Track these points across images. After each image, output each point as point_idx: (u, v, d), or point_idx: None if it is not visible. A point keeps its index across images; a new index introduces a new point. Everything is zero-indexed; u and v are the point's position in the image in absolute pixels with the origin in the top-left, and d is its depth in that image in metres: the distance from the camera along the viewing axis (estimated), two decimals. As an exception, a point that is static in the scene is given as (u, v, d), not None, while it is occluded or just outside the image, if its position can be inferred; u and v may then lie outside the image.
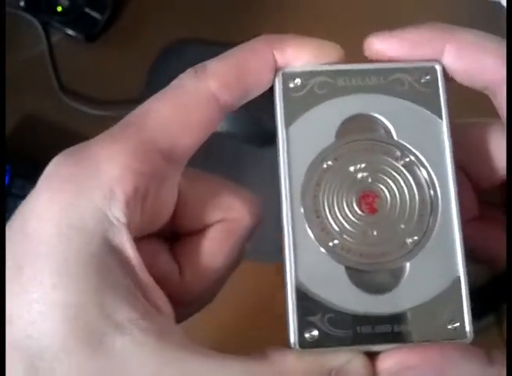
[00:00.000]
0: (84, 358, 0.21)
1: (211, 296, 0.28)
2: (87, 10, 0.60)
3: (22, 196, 0.58)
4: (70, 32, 0.60)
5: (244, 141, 0.57)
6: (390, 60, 0.25)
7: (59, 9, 0.59)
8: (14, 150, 0.58)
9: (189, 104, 0.24)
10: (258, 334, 0.55)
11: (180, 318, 0.24)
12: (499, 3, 0.62)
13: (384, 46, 0.25)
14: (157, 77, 0.59)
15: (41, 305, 0.21)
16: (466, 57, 0.25)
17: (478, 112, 0.27)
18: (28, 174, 0.56)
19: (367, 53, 0.25)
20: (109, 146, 0.23)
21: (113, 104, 0.59)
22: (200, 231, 0.27)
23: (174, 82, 0.25)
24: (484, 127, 0.27)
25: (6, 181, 0.56)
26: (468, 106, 0.27)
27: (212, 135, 0.25)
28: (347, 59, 0.25)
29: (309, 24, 0.62)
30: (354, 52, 0.25)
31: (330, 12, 0.62)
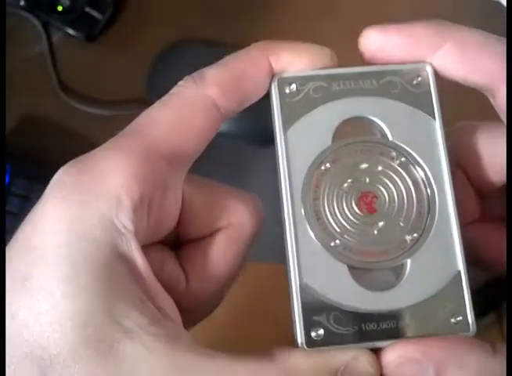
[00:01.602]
0: (94, 365, 0.21)
1: (217, 302, 0.28)
2: (87, 10, 0.60)
3: (22, 195, 0.58)
4: (71, 31, 0.60)
5: (244, 141, 0.57)
6: (382, 63, 0.25)
7: (60, 8, 0.60)
8: (14, 148, 0.58)
9: (189, 111, 0.24)
10: (259, 333, 0.55)
11: (187, 324, 0.24)
12: (499, 2, 0.62)
13: (381, 41, 0.25)
14: (157, 77, 0.59)
15: (50, 316, 0.21)
16: (465, 56, 0.25)
17: (478, 115, 0.27)
18: (28, 173, 0.56)
19: (362, 48, 0.25)
20: (114, 155, 0.23)
21: (113, 103, 0.59)
22: (205, 238, 0.27)
23: (174, 90, 0.25)
24: (483, 129, 0.27)
25: (6, 180, 0.56)
26: (467, 108, 0.28)
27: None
28: (342, 64, 0.26)
29: (308, 25, 0.62)
30: (349, 55, 0.26)
31: (330, 13, 0.62)
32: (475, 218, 0.29)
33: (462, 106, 0.38)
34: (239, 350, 0.22)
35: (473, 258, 0.27)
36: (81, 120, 0.59)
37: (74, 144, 0.58)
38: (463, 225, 0.26)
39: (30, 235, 0.23)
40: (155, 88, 0.59)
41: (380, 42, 0.25)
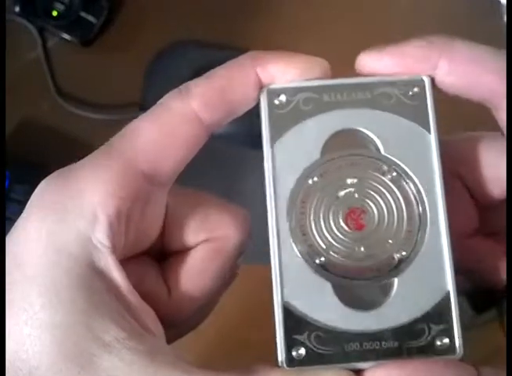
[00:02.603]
0: None
1: (203, 316, 0.28)
2: (82, 14, 0.60)
3: (21, 201, 0.58)
4: (66, 36, 0.60)
5: (238, 143, 0.57)
6: (377, 74, 0.25)
7: (55, 13, 0.59)
8: (12, 154, 0.58)
9: (171, 124, 0.24)
10: (255, 336, 0.55)
11: (170, 339, 0.24)
12: (498, 1, 0.62)
13: (376, 64, 0.25)
14: (153, 80, 0.59)
15: (29, 328, 0.22)
16: (462, 71, 0.24)
17: (477, 125, 0.27)
18: (27, 178, 0.56)
19: (358, 70, 0.25)
20: (92, 172, 0.24)
21: (110, 107, 0.59)
22: (188, 250, 0.27)
23: (160, 103, 0.25)
24: (484, 139, 0.27)
25: (6, 186, 0.56)
26: (466, 119, 0.27)
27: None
28: (335, 73, 0.25)
29: (307, 26, 0.62)
30: (347, 61, 0.25)
31: (328, 15, 0.62)
32: (474, 230, 0.28)
33: (458, 115, 0.38)
34: (234, 355, 0.22)
35: (469, 271, 0.27)
36: (78, 124, 0.59)
37: (72, 148, 0.58)
38: (461, 238, 0.26)
39: (14, 242, 0.23)
40: (151, 91, 0.59)
41: (376, 66, 0.25)
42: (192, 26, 0.62)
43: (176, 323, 0.26)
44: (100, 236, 0.23)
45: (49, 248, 0.22)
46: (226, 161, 0.58)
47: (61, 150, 0.57)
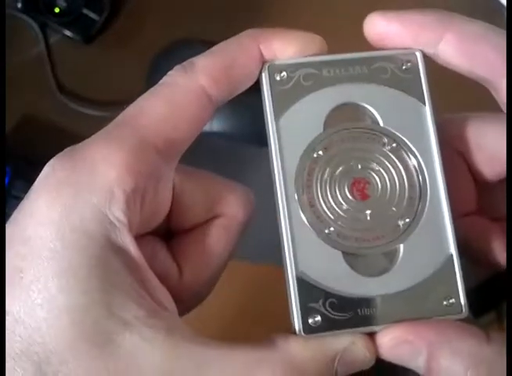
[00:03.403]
0: (92, 358, 0.21)
1: (208, 291, 0.28)
2: (84, 11, 0.60)
3: (21, 197, 0.58)
4: (68, 33, 0.60)
5: (242, 141, 0.57)
6: (373, 49, 0.26)
7: (57, 10, 0.59)
8: (13, 150, 0.58)
9: (180, 100, 0.24)
10: (254, 334, 0.55)
11: (179, 314, 0.24)
12: (498, 0, 0.62)
13: (383, 28, 0.25)
14: (155, 77, 0.59)
15: (46, 311, 0.21)
16: (467, 47, 0.25)
17: (480, 106, 0.27)
18: (28, 175, 0.56)
19: (366, 33, 0.26)
20: (105, 147, 0.23)
21: (111, 104, 0.59)
22: (196, 228, 0.27)
23: (164, 79, 0.25)
24: (484, 120, 0.27)
25: (6, 182, 0.56)
26: (471, 100, 0.28)
27: (210, 136, 0.25)
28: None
29: (307, 26, 0.62)
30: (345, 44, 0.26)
31: (330, 12, 0.62)
32: (472, 208, 0.29)
33: (460, 95, 0.38)
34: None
35: (464, 250, 0.27)
36: (80, 121, 0.59)
37: (73, 145, 0.58)
38: (460, 215, 0.27)
39: (23, 226, 0.22)
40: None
41: (383, 29, 0.25)
42: (194, 24, 0.62)
43: (185, 299, 0.26)
44: (117, 213, 0.22)
45: (64, 227, 0.22)
46: (229, 159, 0.58)
47: (62, 147, 0.57)
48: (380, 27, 0.25)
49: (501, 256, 0.27)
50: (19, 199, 0.56)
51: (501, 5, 0.62)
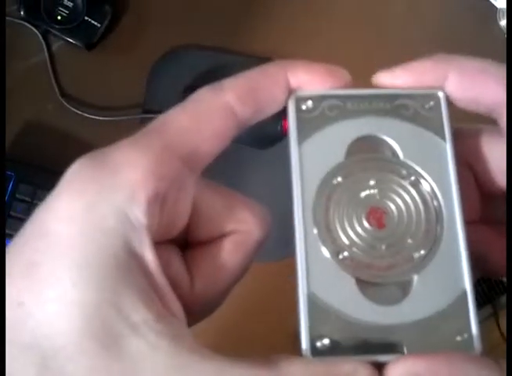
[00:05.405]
0: (98, 359, 0.21)
1: (218, 304, 0.29)
2: (86, 18, 0.60)
3: (26, 200, 0.59)
4: (70, 40, 0.61)
5: (244, 144, 0.58)
6: (394, 87, 0.26)
7: (59, 17, 0.60)
8: (17, 156, 0.58)
9: (205, 113, 0.25)
10: (259, 331, 0.55)
11: (187, 324, 0.24)
12: (491, 3, 0.63)
13: (391, 82, 0.26)
14: (155, 83, 0.60)
15: (58, 305, 0.21)
16: (468, 84, 0.26)
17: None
18: (32, 179, 0.57)
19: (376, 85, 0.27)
20: (131, 151, 0.24)
21: (113, 109, 0.60)
22: (212, 241, 0.27)
23: (193, 96, 0.25)
24: (493, 133, 0.28)
25: (11, 186, 0.57)
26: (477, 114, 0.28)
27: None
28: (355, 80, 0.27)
29: (306, 31, 0.62)
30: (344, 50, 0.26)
31: (327, 20, 0.63)
32: (475, 217, 0.29)
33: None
34: (240, 348, 0.22)
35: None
36: (83, 126, 0.60)
37: (76, 149, 0.58)
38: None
39: (43, 221, 0.23)
40: (153, 93, 0.59)
41: (390, 83, 0.26)
42: (194, 30, 0.62)
43: (194, 310, 0.26)
44: (138, 214, 0.22)
45: (84, 222, 0.22)
46: (230, 161, 0.58)
47: (65, 151, 0.58)
48: (387, 82, 0.26)
49: (501, 264, 0.28)
50: (24, 202, 0.57)
51: (497, 9, 0.62)
